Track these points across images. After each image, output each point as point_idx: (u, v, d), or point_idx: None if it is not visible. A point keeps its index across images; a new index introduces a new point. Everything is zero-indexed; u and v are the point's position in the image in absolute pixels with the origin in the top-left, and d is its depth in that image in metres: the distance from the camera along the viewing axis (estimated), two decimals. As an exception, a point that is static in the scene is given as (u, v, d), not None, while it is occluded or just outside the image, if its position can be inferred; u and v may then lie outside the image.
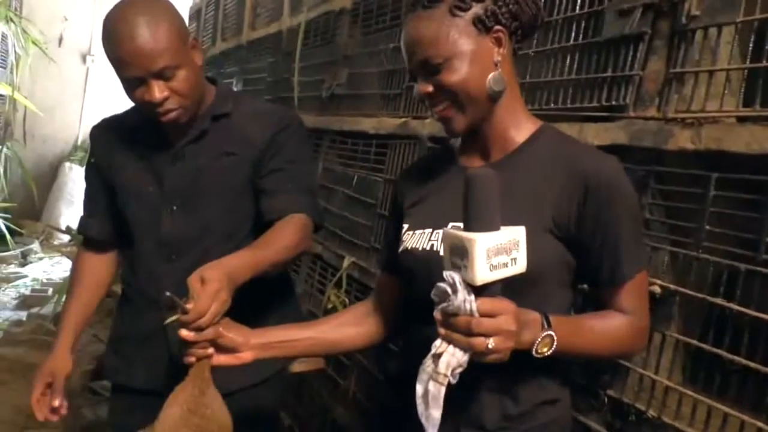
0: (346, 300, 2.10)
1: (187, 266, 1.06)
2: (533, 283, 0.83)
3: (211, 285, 0.92)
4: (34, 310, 4.12)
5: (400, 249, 0.99)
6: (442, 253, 0.88)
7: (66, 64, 6.68)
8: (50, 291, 4.50)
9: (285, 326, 1.06)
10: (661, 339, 1.07)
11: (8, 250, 5.44)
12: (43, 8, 6.46)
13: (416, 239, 0.95)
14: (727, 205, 0.98)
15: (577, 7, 1.29)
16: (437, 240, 0.92)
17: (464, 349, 0.74)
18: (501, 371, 0.82)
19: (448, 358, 0.75)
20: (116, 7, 1.16)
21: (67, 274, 4.51)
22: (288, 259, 1.17)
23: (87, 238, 1.43)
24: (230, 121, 1.29)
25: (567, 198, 0.87)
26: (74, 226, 5.72)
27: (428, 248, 0.93)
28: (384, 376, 1.78)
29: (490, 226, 0.73)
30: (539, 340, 0.80)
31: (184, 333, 0.92)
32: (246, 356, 0.97)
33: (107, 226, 1.38)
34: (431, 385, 0.76)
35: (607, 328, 0.89)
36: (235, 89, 3.23)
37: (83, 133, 6.94)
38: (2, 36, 5.13)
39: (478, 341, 0.73)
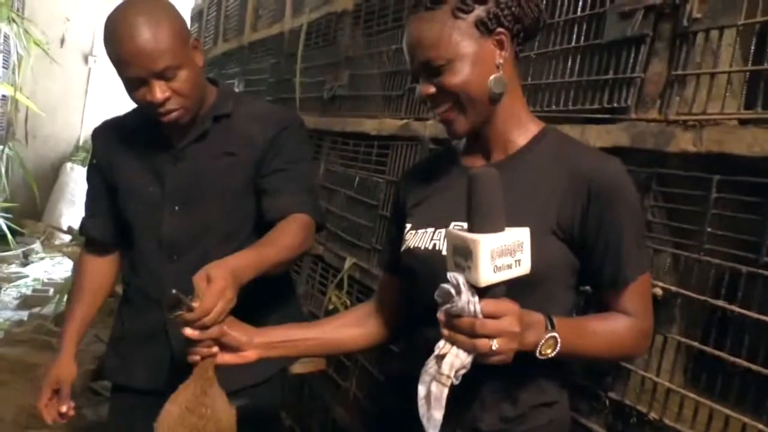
0: (348, 301, 2.10)
1: (188, 266, 1.07)
2: (536, 284, 0.83)
3: (217, 283, 0.93)
4: (36, 310, 4.13)
5: (403, 248, 0.99)
6: (444, 253, 0.88)
7: (68, 65, 6.69)
8: (51, 291, 4.50)
9: (289, 326, 1.06)
10: (663, 341, 1.07)
11: (9, 250, 5.45)
12: (45, 9, 6.47)
13: (418, 238, 0.96)
14: (728, 208, 0.98)
15: (579, 10, 1.30)
16: (439, 239, 0.92)
17: (468, 350, 0.74)
18: (501, 373, 0.82)
19: (452, 360, 0.75)
20: (118, 8, 1.16)
21: (68, 274, 4.54)
22: (291, 258, 1.17)
23: (89, 240, 1.43)
24: (231, 122, 1.30)
25: (570, 199, 0.87)
26: (76, 226, 5.73)
27: (430, 247, 0.93)
28: (384, 376, 1.78)
29: (495, 227, 0.73)
30: (543, 341, 0.80)
31: (189, 331, 0.92)
32: (250, 355, 0.97)
33: (109, 227, 1.38)
34: (434, 386, 0.76)
35: (610, 330, 0.89)
36: (236, 90, 3.24)
37: (85, 133, 6.95)
38: (4, 36, 5.14)
39: (482, 343, 0.73)
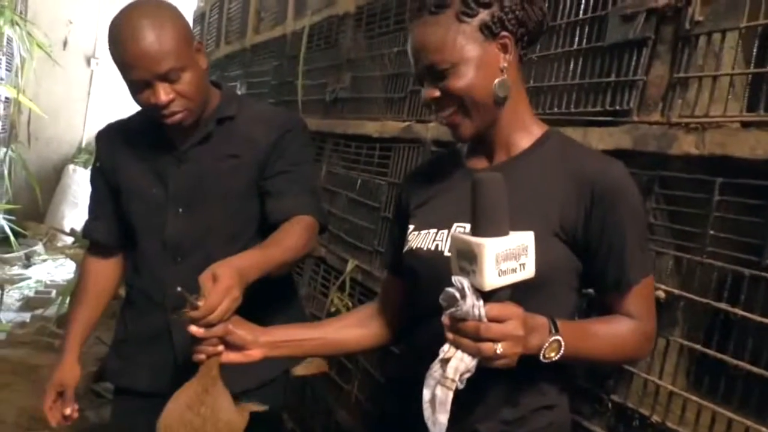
0: (350, 303, 2.10)
1: (192, 268, 1.07)
2: (539, 286, 0.83)
3: (223, 281, 0.93)
4: (38, 311, 4.13)
5: (405, 249, 0.99)
6: (446, 254, 0.88)
7: (70, 67, 6.71)
8: (54, 293, 4.51)
9: (293, 325, 1.07)
10: (665, 344, 1.07)
11: (12, 252, 5.45)
12: (47, 12, 6.49)
13: (421, 239, 0.96)
14: (731, 210, 0.98)
15: (581, 12, 1.30)
16: (442, 240, 0.92)
17: (472, 354, 0.74)
18: (501, 376, 0.81)
19: (457, 363, 0.75)
20: (122, 11, 1.17)
21: (71, 276, 4.54)
22: (295, 259, 1.18)
23: (92, 242, 1.43)
24: (235, 124, 1.30)
25: (574, 202, 0.88)
26: (78, 228, 5.75)
27: (433, 248, 0.93)
28: (385, 378, 1.78)
29: (499, 231, 0.73)
30: (547, 345, 0.80)
31: (194, 329, 0.92)
32: (255, 354, 0.97)
33: (113, 229, 1.39)
34: (439, 390, 0.76)
35: (613, 333, 0.89)
36: (238, 92, 3.24)
37: (87, 135, 6.97)
38: (7, 39, 5.15)
39: (487, 346, 0.73)
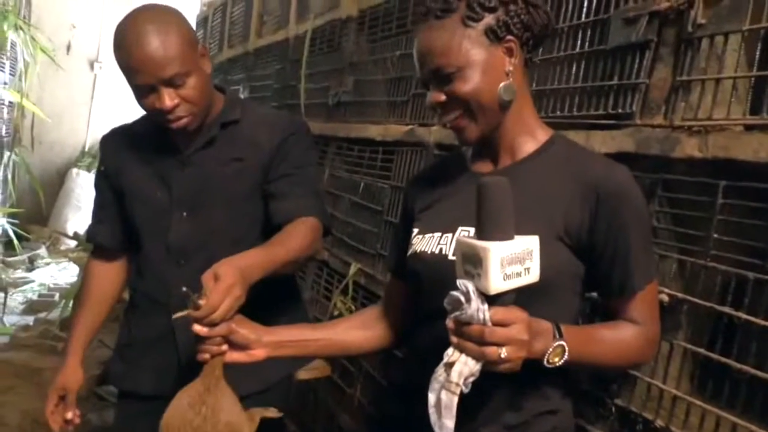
0: (353, 307, 2.10)
1: (195, 271, 1.07)
2: (542, 290, 0.83)
3: (225, 280, 0.93)
4: (41, 315, 4.14)
5: (409, 252, 0.99)
6: (450, 257, 0.88)
7: (74, 71, 6.74)
8: (57, 296, 4.52)
9: (297, 326, 1.07)
10: (669, 348, 1.06)
11: (16, 255, 5.47)
12: (51, 16, 6.51)
13: (425, 242, 0.96)
14: (735, 214, 0.98)
15: (584, 15, 1.30)
16: (446, 244, 0.92)
17: (477, 358, 0.74)
18: (504, 380, 0.81)
19: (461, 367, 0.74)
20: (127, 17, 1.17)
21: (74, 279, 4.55)
22: (300, 259, 1.17)
23: (96, 246, 1.44)
24: (239, 128, 1.31)
25: (578, 206, 0.87)
26: (81, 231, 5.76)
27: (437, 251, 0.93)
28: (387, 382, 1.78)
29: (505, 235, 0.73)
30: (551, 350, 0.80)
31: (197, 328, 0.92)
32: (258, 354, 0.97)
33: (117, 233, 1.39)
34: (443, 395, 0.75)
35: (617, 338, 0.89)
36: (241, 96, 3.25)
37: (91, 139, 6.99)
38: (11, 44, 5.18)
39: (491, 350, 0.73)
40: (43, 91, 6.22)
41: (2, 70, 5.07)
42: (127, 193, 1.33)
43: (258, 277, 1.01)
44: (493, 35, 0.88)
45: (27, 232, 5.79)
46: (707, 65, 1.05)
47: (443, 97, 0.90)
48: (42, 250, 5.83)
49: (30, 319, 4.11)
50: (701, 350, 1.02)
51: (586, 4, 1.29)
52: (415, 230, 1.00)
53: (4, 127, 5.39)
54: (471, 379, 0.75)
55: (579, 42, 1.30)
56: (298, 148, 1.31)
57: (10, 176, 5.60)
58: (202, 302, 0.91)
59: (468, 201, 0.77)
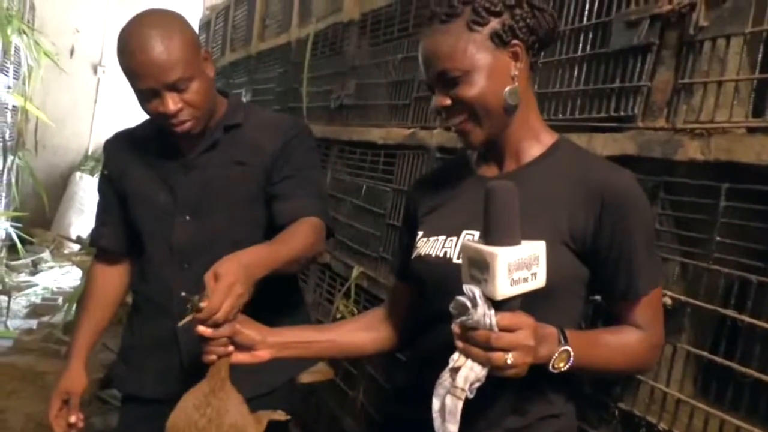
0: (355, 310, 2.10)
1: (199, 274, 1.06)
2: (546, 295, 0.83)
3: (226, 279, 0.92)
4: (45, 318, 4.15)
5: (414, 255, 0.99)
6: (455, 261, 0.88)
7: (77, 75, 6.76)
8: (60, 300, 4.52)
9: (302, 327, 1.07)
10: (672, 351, 1.06)
11: (19, 259, 5.48)
12: (54, 20, 6.53)
13: (430, 246, 0.96)
14: (737, 216, 0.98)
15: (585, 18, 1.30)
16: (451, 247, 0.92)
17: (483, 363, 0.74)
18: (509, 385, 0.81)
19: (467, 373, 0.74)
20: (130, 21, 1.18)
21: (77, 282, 4.55)
22: (302, 258, 1.17)
23: (100, 250, 1.44)
24: (241, 132, 1.31)
25: (583, 210, 0.87)
26: (84, 235, 5.77)
27: (441, 255, 0.93)
28: (390, 386, 1.78)
29: (511, 241, 0.72)
30: (556, 355, 0.80)
31: (201, 329, 0.91)
32: (263, 355, 0.97)
33: (120, 237, 1.39)
34: (448, 400, 0.75)
35: (622, 343, 0.89)
36: (244, 99, 3.26)
37: (94, 143, 7.00)
38: (15, 48, 5.20)
39: (497, 356, 0.73)
40: (47, 95, 6.25)
41: (6, 74, 5.08)
42: (131, 197, 1.34)
43: (261, 274, 1.01)
44: (499, 39, 0.88)
45: (30, 235, 5.80)
46: (709, 68, 1.05)
47: (448, 101, 0.90)
48: (45, 254, 5.84)
49: (33, 323, 4.11)
50: (704, 353, 1.02)
51: (587, 7, 1.30)
52: (420, 233, 1.00)
53: (7, 131, 5.40)
54: (476, 385, 0.75)
55: (581, 45, 1.30)
56: (300, 150, 1.31)
57: (13, 180, 5.61)
58: (203, 304, 0.91)
59: (473, 204, 0.77)
